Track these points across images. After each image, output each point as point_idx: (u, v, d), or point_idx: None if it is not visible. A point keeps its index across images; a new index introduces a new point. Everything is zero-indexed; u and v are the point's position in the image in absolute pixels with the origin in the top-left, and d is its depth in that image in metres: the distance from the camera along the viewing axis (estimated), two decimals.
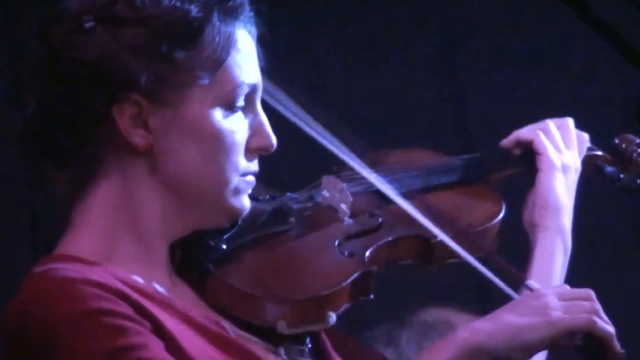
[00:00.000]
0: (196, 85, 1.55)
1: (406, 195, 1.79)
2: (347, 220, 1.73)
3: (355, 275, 1.62)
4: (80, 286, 1.45)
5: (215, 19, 1.56)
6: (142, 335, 1.45)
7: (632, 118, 3.43)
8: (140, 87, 1.52)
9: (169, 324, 1.49)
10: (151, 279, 1.57)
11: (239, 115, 1.59)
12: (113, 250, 1.55)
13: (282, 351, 1.60)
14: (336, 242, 1.68)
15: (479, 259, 1.75)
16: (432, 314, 3.40)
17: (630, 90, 3.85)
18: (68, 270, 1.48)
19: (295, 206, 1.73)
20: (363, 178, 1.78)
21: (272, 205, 1.72)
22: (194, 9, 1.55)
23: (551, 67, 4.47)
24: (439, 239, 1.74)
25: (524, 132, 1.95)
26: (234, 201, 1.60)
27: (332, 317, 1.60)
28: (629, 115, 3.70)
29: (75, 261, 1.51)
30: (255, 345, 1.58)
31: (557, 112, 2.08)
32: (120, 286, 1.48)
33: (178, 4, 1.54)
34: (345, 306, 1.62)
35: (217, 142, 1.57)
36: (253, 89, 1.60)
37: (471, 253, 1.75)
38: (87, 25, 1.52)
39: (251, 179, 1.62)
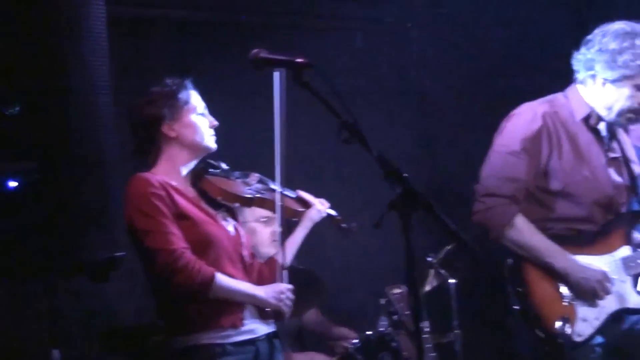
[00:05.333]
0: (184, 109, 3.93)
1: None
2: None
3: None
4: (149, 180, 3.80)
5: (181, 89, 3.94)
6: (163, 213, 3.76)
7: None
8: (167, 117, 3.91)
9: (181, 203, 3.84)
10: (179, 184, 3.90)
11: (203, 117, 3.99)
12: (167, 173, 3.89)
13: (224, 216, 4.04)
14: None
15: None
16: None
17: None
18: (148, 174, 3.85)
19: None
20: None
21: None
22: (174, 88, 3.93)
23: None
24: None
25: None
26: (209, 145, 3.97)
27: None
28: None
29: (153, 173, 3.88)
30: (214, 212, 3.98)
31: None
32: (166, 185, 3.81)
33: (168, 87, 3.92)
34: None
35: (197, 127, 3.96)
36: (203, 108, 3.99)
37: None
38: (147, 101, 3.93)
39: (212, 132, 3.98)
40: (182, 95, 3.90)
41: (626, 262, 4.29)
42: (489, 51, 6.56)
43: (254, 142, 5.41)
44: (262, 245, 4.93)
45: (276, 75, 3.60)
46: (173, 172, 3.91)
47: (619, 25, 4.26)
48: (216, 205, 4.00)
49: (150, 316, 4.52)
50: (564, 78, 4.47)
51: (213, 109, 4.02)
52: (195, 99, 3.95)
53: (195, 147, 3.93)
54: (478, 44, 6.56)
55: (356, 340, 5.26)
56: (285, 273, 3.93)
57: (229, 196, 3.98)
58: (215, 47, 5.99)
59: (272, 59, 3.48)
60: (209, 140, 3.95)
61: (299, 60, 3.36)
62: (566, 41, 4.51)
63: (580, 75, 4.36)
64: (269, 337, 3.95)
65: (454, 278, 5.34)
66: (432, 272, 5.34)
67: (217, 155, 4.04)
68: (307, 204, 4.17)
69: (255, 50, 3.50)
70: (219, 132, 4.00)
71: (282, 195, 3.95)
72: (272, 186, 4.01)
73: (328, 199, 4.27)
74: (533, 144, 4.28)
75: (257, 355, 3.88)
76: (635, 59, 4.19)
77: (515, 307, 4.23)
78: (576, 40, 4.40)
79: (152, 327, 4.54)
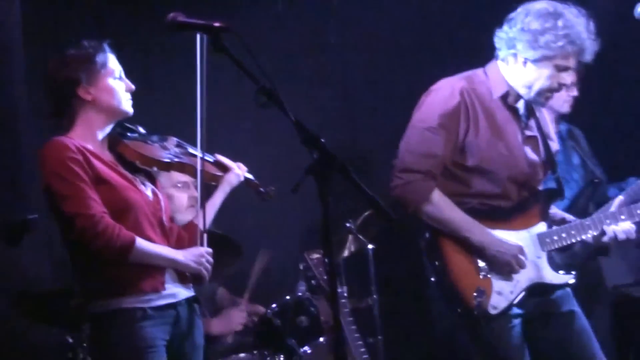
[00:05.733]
0: (101, 73, 3.86)
1: None
2: None
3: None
4: (67, 144, 3.75)
5: (98, 52, 3.87)
6: (81, 177, 3.71)
7: None
8: (83, 80, 3.84)
9: (99, 167, 3.80)
10: (96, 148, 3.88)
11: (120, 81, 3.94)
12: (83, 137, 3.84)
13: (142, 180, 4.01)
14: None
15: None
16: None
17: None
18: (65, 138, 3.79)
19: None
20: None
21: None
22: (91, 51, 3.86)
23: None
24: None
25: None
26: (126, 109, 3.93)
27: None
28: None
29: (69, 137, 3.82)
30: (132, 176, 3.93)
31: None
32: (83, 149, 3.77)
33: (85, 50, 3.86)
34: None
35: (114, 91, 3.91)
36: (120, 72, 3.91)
37: None
38: (63, 63, 3.84)
39: (129, 96, 3.93)
40: (99, 59, 3.88)
41: (542, 238, 4.38)
42: (413, 21, 6.57)
43: (171, 106, 5.40)
44: (178, 211, 4.91)
45: (198, 38, 3.57)
46: (90, 136, 3.88)
47: (541, 5, 4.28)
48: (134, 169, 3.98)
49: (68, 280, 4.46)
50: (486, 53, 4.48)
51: (130, 72, 4.00)
52: (112, 62, 3.92)
53: (111, 112, 3.90)
54: (402, 12, 6.56)
55: (274, 305, 5.28)
56: (205, 237, 3.92)
57: (147, 160, 3.95)
58: (133, 10, 5.92)
59: (189, 23, 3.44)
60: (126, 104, 3.93)
61: (216, 24, 3.32)
62: (487, 16, 4.53)
63: (501, 53, 4.38)
64: (189, 301, 3.96)
65: (372, 244, 5.40)
66: (350, 237, 5.40)
67: (135, 119, 4.01)
68: (225, 168, 4.17)
69: (172, 14, 3.47)
70: (136, 95, 3.96)
71: (201, 159, 3.92)
72: (191, 150, 4.02)
73: (246, 163, 4.28)
74: (450, 120, 4.30)
75: (178, 319, 3.89)
76: (557, 40, 4.21)
77: (432, 279, 4.30)
78: (497, 17, 4.41)
79: (70, 290, 4.50)
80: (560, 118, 5.61)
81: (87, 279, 3.82)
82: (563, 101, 5.49)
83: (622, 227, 4.38)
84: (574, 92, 5.50)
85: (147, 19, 5.47)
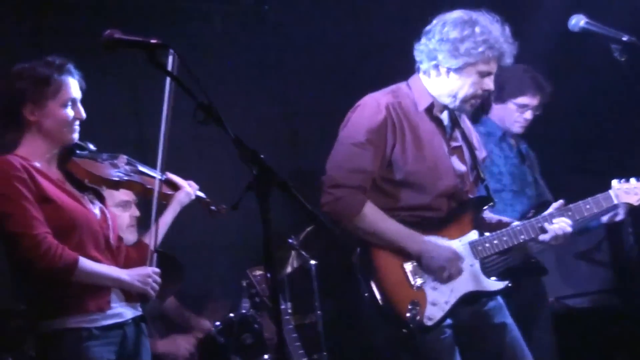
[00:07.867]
0: (50, 98, 3.79)
1: None
2: None
3: None
4: (12, 163, 3.71)
5: (57, 73, 3.79)
6: (25, 197, 3.68)
7: None
8: (29, 99, 3.77)
9: (45, 185, 3.76)
10: (43, 166, 3.82)
11: (70, 108, 3.84)
12: (29, 154, 3.80)
13: (91, 199, 3.97)
14: None
15: None
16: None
17: None
18: (11, 157, 3.73)
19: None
20: None
21: None
22: (45, 71, 3.77)
23: None
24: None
25: None
26: (67, 139, 3.87)
27: None
28: None
29: (15, 154, 3.77)
30: (80, 195, 3.89)
31: None
32: (29, 167, 3.73)
33: (43, 68, 3.78)
34: None
35: (60, 119, 3.83)
36: (73, 100, 3.84)
37: None
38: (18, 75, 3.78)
39: (77, 126, 3.86)
40: (54, 82, 3.79)
41: (474, 246, 4.43)
42: (351, 28, 6.59)
43: (118, 123, 5.35)
44: (120, 230, 4.86)
45: (170, 55, 3.54)
46: (36, 154, 3.83)
47: (457, 14, 4.39)
48: (83, 187, 3.93)
49: (7, 300, 4.41)
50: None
51: None
52: (68, 87, 3.83)
53: (52, 138, 3.85)
54: (339, 21, 6.59)
55: (218, 323, 5.26)
56: (154, 256, 3.90)
57: (95, 179, 3.92)
58: (70, 28, 5.87)
59: (126, 40, 3.38)
60: (68, 134, 3.86)
61: (153, 41, 3.29)
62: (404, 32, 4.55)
63: (423, 65, 4.46)
64: (136, 320, 3.94)
65: (314, 259, 5.42)
66: (293, 253, 5.41)
67: (85, 135, 3.95)
68: (176, 187, 4.15)
69: (108, 32, 3.40)
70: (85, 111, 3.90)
71: (153, 178, 3.93)
72: (141, 168, 4.00)
73: (194, 180, 4.25)
74: (377, 135, 4.35)
75: (124, 339, 3.87)
76: (477, 47, 4.31)
77: (366, 294, 4.30)
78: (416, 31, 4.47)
79: (10, 310, 4.44)
80: (519, 137, 5.75)
81: (32, 298, 3.79)
82: (514, 120, 5.58)
83: (558, 225, 4.42)
84: (528, 115, 5.63)
85: (86, 35, 5.42)
